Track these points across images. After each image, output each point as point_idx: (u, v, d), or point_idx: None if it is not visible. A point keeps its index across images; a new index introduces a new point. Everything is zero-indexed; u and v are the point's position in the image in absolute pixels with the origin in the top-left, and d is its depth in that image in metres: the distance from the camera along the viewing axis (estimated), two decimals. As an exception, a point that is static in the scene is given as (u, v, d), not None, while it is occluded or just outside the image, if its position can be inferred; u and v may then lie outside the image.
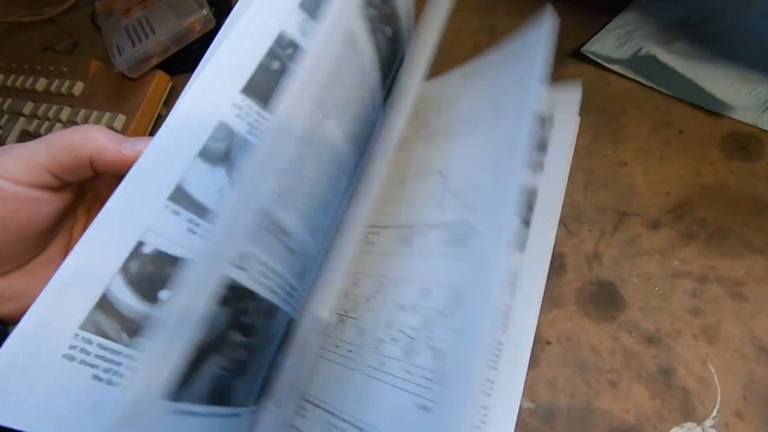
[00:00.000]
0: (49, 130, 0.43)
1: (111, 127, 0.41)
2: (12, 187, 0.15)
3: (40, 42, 0.59)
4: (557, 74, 0.34)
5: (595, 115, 0.31)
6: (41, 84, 0.46)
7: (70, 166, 0.17)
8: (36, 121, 0.44)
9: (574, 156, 0.30)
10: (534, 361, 0.25)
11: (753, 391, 0.22)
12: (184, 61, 0.46)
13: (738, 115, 0.28)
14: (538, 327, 0.26)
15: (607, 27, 0.34)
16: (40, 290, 0.14)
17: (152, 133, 0.45)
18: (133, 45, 0.40)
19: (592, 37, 0.34)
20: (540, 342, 0.25)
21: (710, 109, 0.28)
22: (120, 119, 0.41)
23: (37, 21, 0.61)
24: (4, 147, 0.16)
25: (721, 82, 0.29)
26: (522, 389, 0.24)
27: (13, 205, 0.15)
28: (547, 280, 0.27)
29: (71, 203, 0.18)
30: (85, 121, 0.42)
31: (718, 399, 0.22)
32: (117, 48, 0.40)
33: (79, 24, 0.59)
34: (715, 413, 0.21)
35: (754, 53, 0.29)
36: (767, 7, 0.30)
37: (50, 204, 0.17)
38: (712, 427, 0.21)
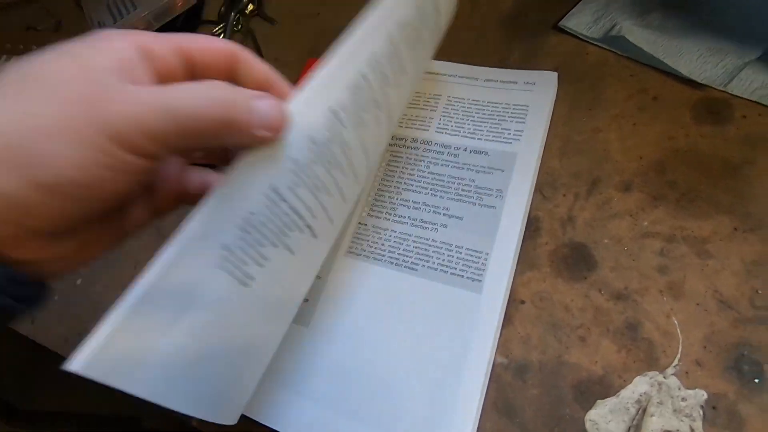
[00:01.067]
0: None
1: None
2: (128, 157, 0.13)
3: (23, 22, 0.59)
4: (540, 45, 0.34)
5: (573, 84, 0.32)
6: (24, 63, 0.46)
7: (196, 144, 0.14)
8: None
9: (551, 124, 0.30)
10: (508, 321, 0.26)
11: (713, 341, 0.23)
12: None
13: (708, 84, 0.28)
14: (513, 288, 0.26)
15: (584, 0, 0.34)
16: (87, 257, 0.15)
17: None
18: (115, 21, 0.40)
19: (570, 9, 0.34)
20: (514, 302, 0.26)
21: (682, 77, 0.29)
22: (104, 96, 0.41)
23: (19, 1, 0.60)
24: (104, 78, 0.13)
25: (689, 57, 0.29)
26: (495, 345, 0.25)
27: (114, 174, 0.13)
28: (523, 243, 0.27)
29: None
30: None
31: (680, 349, 0.23)
32: (98, 24, 0.40)
33: (62, 3, 0.58)
34: (676, 362, 0.22)
35: (725, 23, 0.30)
36: (742, -26, 0.30)
37: (143, 175, 0.14)
38: (673, 374, 0.22)
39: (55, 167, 0.12)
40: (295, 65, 0.39)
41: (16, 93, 0.13)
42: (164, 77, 0.15)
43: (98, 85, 0.13)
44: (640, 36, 0.31)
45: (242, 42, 0.45)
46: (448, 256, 0.27)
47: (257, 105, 0.15)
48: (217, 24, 0.47)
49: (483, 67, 0.34)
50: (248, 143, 0.15)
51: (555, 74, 0.31)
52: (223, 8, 0.47)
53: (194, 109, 0.14)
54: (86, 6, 0.43)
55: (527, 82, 0.32)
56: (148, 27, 0.41)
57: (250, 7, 0.46)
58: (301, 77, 0.37)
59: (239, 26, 0.46)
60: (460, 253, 0.27)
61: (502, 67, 0.34)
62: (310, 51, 0.40)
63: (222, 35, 0.45)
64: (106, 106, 0.13)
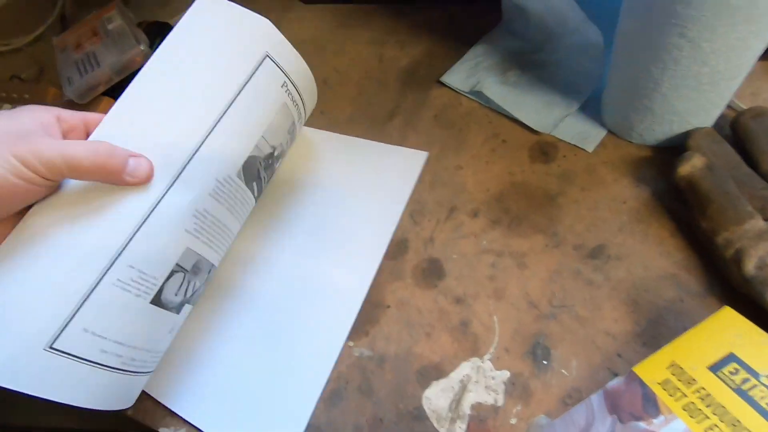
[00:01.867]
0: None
1: (64, 146, 0.48)
2: (29, 174, 0.20)
3: (9, 70, 0.66)
4: (426, 95, 0.42)
5: (446, 129, 0.39)
6: (6, 109, 0.53)
7: (78, 177, 0.22)
8: None
9: (426, 163, 0.38)
10: (376, 321, 0.32)
11: (519, 332, 0.29)
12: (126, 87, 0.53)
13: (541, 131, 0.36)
14: (382, 294, 0.33)
15: (462, 59, 0.42)
16: None
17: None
18: (81, 76, 0.47)
19: (450, 67, 0.42)
20: (382, 306, 0.33)
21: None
22: (71, 139, 0.48)
23: (7, 50, 0.68)
24: (16, 130, 0.21)
25: (528, 108, 0.37)
26: (345, 337, 0.31)
27: (25, 185, 0.20)
28: (393, 259, 0.34)
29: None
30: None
31: (496, 340, 0.29)
32: (68, 79, 0.48)
33: (46, 52, 0.66)
34: (492, 350, 0.29)
35: (558, 79, 0.38)
36: (574, 40, 0.38)
37: (47, 189, 0.22)
38: (489, 360, 0.29)
39: None
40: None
41: None
42: (72, 136, 0.25)
43: (21, 132, 0.21)
44: (495, 91, 0.38)
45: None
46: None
47: (130, 161, 0.23)
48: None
49: (362, 140, 0.40)
50: (123, 185, 0.24)
51: (426, 154, 0.37)
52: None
53: (79, 155, 0.21)
54: (59, 62, 0.51)
55: (402, 158, 0.38)
56: (110, 80, 0.49)
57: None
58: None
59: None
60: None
61: (393, 117, 0.41)
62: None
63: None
64: (22, 142, 0.21)
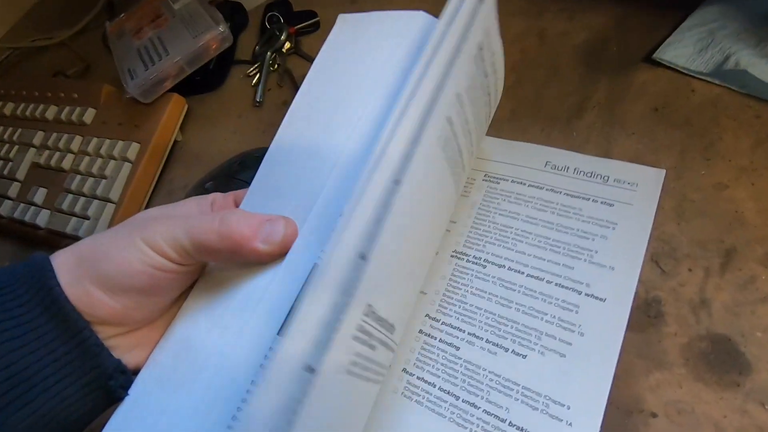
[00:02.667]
0: (60, 162, 0.40)
1: (124, 158, 0.37)
2: (159, 259, 0.17)
3: (52, 67, 0.57)
4: (629, 82, 0.29)
5: (680, 128, 0.27)
6: (51, 112, 0.43)
7: (206, 255, 0.18)
8: (46, 152, 0.41)
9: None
10: (637, 440, 0.20)
11: None
12: (199, 81, 0.43)
13: None
14: (638, 394, 0.21)
15: (683, 25, 0.29)
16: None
17: (169, 160, 0.42)
18: (146, 68, 0.37)
19: (665, 38, 0.29)
20: (642, 413, 0.20)
21: (831, 117, 0.24)
22: (134, 148, 0.37)
23: (49, 45, 0.59)
24: (153, 214, 0.20)
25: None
26: None
27: (157, 273, 0.18)
28: (643, 332, 0.22)
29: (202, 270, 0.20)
30: (97, 152, 0.39)
31: None
32: (129, 71, 0.37)
33: (92, 46, 0.57)
34: None
35: None
36: None
37: (187, 274, 0.19)
38: None
39: (111, 263, 0.17)
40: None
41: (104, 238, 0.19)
42: None
43: (143, 219, 0.19)
44: (766, 69, 0.25)
45: (279, 82, 0.42)
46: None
47: (265, 225, 0.18)
48: (252, 64, 0.44)
49: (551, 149, 0.27)
50: (257, 258, 0.18)
51: (663, 172, 0.24)
52: (257, 47, 0.44)
53: (203, 226, 0.18)
54: (115, 52, 0.41)
55: (625, 182, 0.25)
56: (180, 72, 0.38)
57: (287, 45, 0.43)
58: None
59: (275, 65, 0.42)
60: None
61: (582, 114, 0.29)
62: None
63: (257, 75, 0.42)
64: (146, 225, 0.18)
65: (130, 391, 0.18)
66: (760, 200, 0.23)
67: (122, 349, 0.18)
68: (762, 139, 0.25)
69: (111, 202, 0.36)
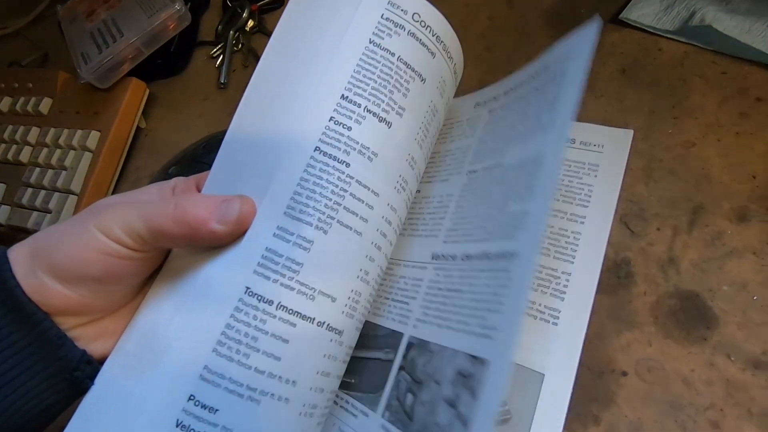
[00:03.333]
0: (17, 155, 0.38)
1: (84, 147, 0.36)
2: (113, 246, 0.17)
3: (8, 57, 0.54)
4: (599, 44, 0.29)
5: (648, 88, 0.26)
6: (6, 103, 0.41)
7: (163, 240, 0.17)
8: (3, 145, 0.39)
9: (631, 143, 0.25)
10: (609, 399, 0.20)
11: None
12: (161, 65, 0.41)
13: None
14: (608, 353, 0.21)
15: (650, -18, 0.29)
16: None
17: (134, 147, 0.41)
18: (100, 51, 0.35)
19: (632, -4, 0.29)
20: (614, 373, 0.21)
21: (795, 69, 0.23)
22: (93, 136, 0.36)
23: (4, 35, 0.56)
24: (111, 201, 0.19)
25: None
26: (561, 428, 0.19)
27: (112, 260, 0.17)
28: (613, 294, 0.22)
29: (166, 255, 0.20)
30: (55, 142, 0.37)
31: None
32: (82, 56, 0.36)
33: (48, 34, 0.54)
34: None
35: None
36: None
37: (145, 261, 0.18)
38: None
39: (64, 252, 0.17)
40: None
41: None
42: None
43: (100, 207, 0.18)
44: (731, 24, 0.25)
45: (244, 62, 0.40)
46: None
47: (221, 205, 0.17)
48: (215, 44, 0.42)
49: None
50: (214, 239, 0.17)
51: (630, 132, 0.25)
52: (220, 26, 0.42)
53: (158, 211, 0.17)
54: (68, 36, 0.39)
55: (591, 144, 0.25)
56: (137, 55, 0.36)
57: (251, 23, 0.41)
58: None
59: (239, 45, 0.41)
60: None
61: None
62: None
63: (221, 56, 0.40)
64: (101, 212, 0.17)
65: (95, 381, 0.17)
66: (726, 156, 0.23)
67: (86, 339, 0.18)
68: (728, 95, 0.24)
69: (73, 193, 0.35)
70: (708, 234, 0.22)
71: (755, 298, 0.20)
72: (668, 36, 0.27)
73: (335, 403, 0.21)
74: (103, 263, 0.17)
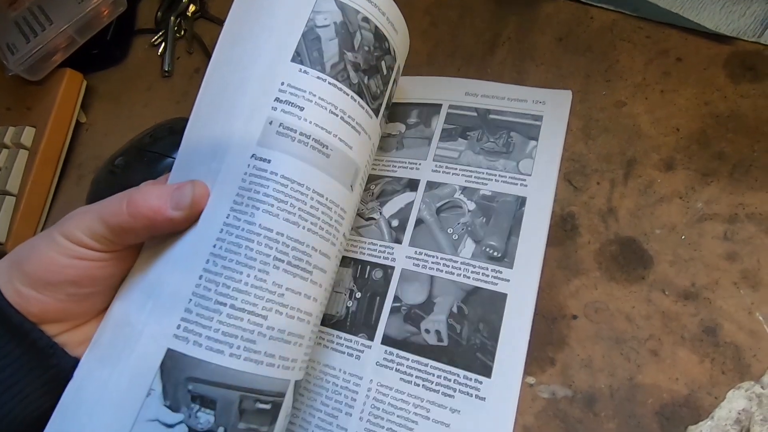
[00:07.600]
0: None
1: (19, 145, 0.34)
2: (81, 250, 0.17)
3: None
4: (536, 16, 0.30)
5: (582, 54, 0.28)
6: (-77, 104, 0.38)
7: (126, 236, 0.18)
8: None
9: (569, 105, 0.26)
10: (562, 341, 0.22)
11: (810, 335, 0.19)
12: (98, 55, 0.39)
13: (737, 36, 0.25)
14: (558, 300, 0.22)
15: (580, -46, 0.30)
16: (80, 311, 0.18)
17: (75, 143, 0.39)
18: (28, 40, 0.33)
19: (564, -32, 0.30)
20: (565, 318, 0.22)
21: (706, 31, 0.26)
22: (28, 132, 0.34)
23: None
24: (77, 210, 0.18)
25: (711, 8, 0.26)
26: (521, 373, 0.21)
27: (84, 263, 0.17)
28: (560, 246, 0.23)
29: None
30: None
31: (774, 350, 0.19)
32: (8, 47, 0.33)
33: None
34: (773, 367, 0.19)
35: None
36: None
37: (119, 261, 0.18)
38: (772, 383, 0.19)
39: (34, 261, 0.18)
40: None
41: None
42: None
43: (66, 217, 0.18)
44: (652, -9, 0.27)
45: (188, 49, 0.39)
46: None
47: (174, 193, 0.18)
48: (156, 32, 0.40)
49: (484, 82, 0.28)
50: (172, 226, 0.18)
51: (569, 93, 0.26)
52: (159, 13, 0.41)
53: (113, 207, 0.17)
54: (-10, 27, 0.36)
55: (536, 101, 0.27)
56: (71, 43, 0.34)
57: (192, 8, 0.40)
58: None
59: (182, 32, 0.39)
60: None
61: (494, 49, 0.29)
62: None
63: (163, 44, 0.39)
64: (65, 221, 0.18)
65: (74, 375, 0.17)
66: (653, 112, 0.25)
67: (72, 344, 0.18)
68: (652, 57, 0.26)
69: (10, 194, 0.33)
70: (641, 184, 0.24)
71: (683, 237, 0.22)
72: (598, 5, 0.29)
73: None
74: (76, 267, 0.17)
